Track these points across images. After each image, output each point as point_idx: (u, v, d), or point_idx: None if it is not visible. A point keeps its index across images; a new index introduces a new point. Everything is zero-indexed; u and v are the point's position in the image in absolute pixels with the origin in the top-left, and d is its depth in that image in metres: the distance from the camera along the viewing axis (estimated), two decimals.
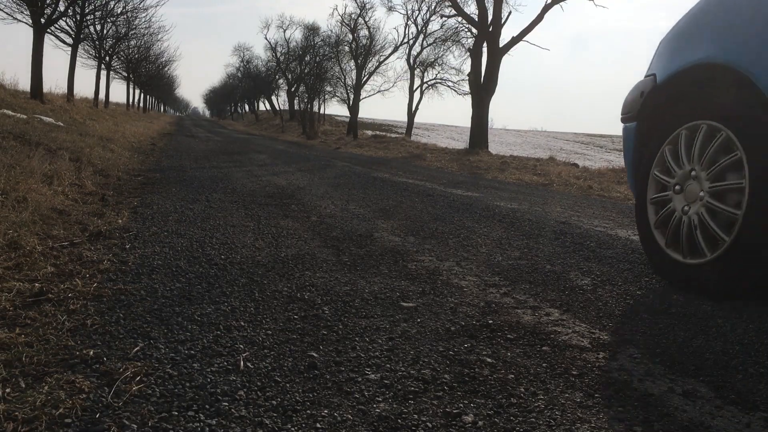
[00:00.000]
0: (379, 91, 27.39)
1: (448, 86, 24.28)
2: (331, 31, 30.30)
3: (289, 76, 36.63)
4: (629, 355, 1.54)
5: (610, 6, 52.46)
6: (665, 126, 2.45)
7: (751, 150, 2.00)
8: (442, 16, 20.71)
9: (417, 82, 24.95)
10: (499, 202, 4.80)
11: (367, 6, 26.11)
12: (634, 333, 1.71)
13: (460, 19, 17.34)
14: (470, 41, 18.03)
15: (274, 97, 45.16)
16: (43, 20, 13.08)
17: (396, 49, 26.03)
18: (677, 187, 2.31)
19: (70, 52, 17.00)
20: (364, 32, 26.66)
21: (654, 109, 2.57)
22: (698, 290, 2.15)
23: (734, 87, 2.15)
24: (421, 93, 25.03)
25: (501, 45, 15.27)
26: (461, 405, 1.22)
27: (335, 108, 46.32)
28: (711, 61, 2.20)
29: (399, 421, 1.14)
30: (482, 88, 15.42)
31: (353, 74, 27.24)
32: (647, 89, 2.57)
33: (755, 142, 1.99)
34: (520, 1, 40.12)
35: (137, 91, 35.69)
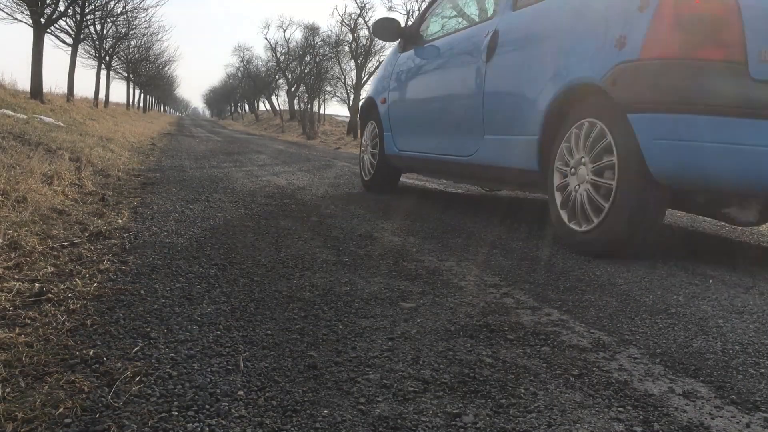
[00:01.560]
0: None
1: None
2: (331, 31, 30.37)
3: (289, 76, 36.64)
4: (629, 355, 1.54)
5: None
6: (366, 124, 5.25)
7: (380, 126, 4.75)
8: None
9: None
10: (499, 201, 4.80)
11: (367, 6, 26.14)
12: (634, 333, 1.71)
13: None
14: None
15: (274, 97, 45.22)
16: (43, 20, 13.08)
17: None
18: (370, 150, 5.00)
19: (70, 52, 17.01)
20: (364, 32, 26.67)
21: (363, 115, 5.40)
22: (368, 190, 4.96)
23: (374, 107, 4.92)
24: None
25: None
26: (461, 405, 1.22)
27: (335, 108, 46.39)
28: (369, 95, 5.20)
29: (399, 421, 1.14)
30: None
31: (353, 74, 27.29)
32: (362, 103, 5.52)
33: (381, 124, 4.74)
34: None
35: (137, 91, 35.68)
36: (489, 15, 3.54)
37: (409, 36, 4.48)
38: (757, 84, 2.14)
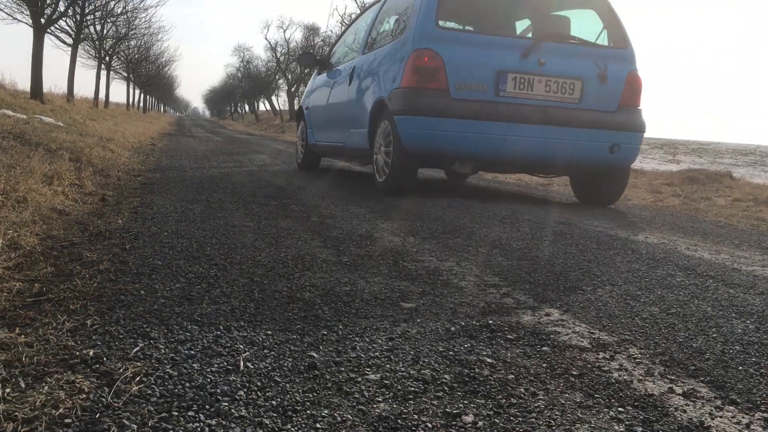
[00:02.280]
0: None
1: None
2: (331, 31, 30.18)
3: (290, 77, 36.65)
4: (629, 356, 1.54)
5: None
6: (299, 124, 7.08)
7: (306, 125, 6.71)
8: None
9: None
10: (498, 202, 4.80)
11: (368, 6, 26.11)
12: (634, 333, 1.71)
13: None
14: None
15: (274, 98, 45.23)
16: (43, 20, 13.07)
17: None
18: (300, 141, 6.95)
19: (70, 52, 17.00)
20: None
21: (297, 117, 7.21)
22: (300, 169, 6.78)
23: (302, 112, 6.88)
24: None
25: None
26: (461, 405, 1.22)
27: None
28: (300, 104, 7.16)
29: (399, 421, 1.14)
30: None
31: None
32: (297, 109, 7.66)
33: (306, 124, 6.69)
34: None
35: (137, 92, 35.68)
36: (355, 56, 5.59)
37: (322, 63, 6.61)
38: (454, 101, 4.11)
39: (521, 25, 5.32)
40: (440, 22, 4.39)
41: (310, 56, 7.09)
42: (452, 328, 1.67)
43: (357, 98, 5.07)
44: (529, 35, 4.88)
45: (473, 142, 4.15)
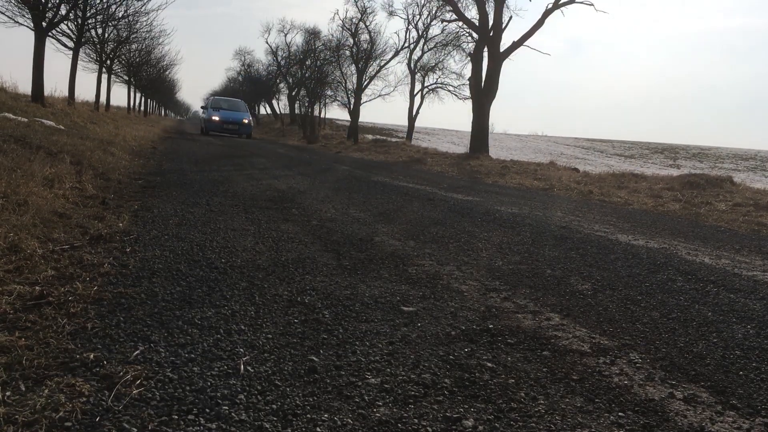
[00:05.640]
0: (379, 96, 27.33)
1: (449, 91, 24.26)
2: (332, 35, 30.12)
3: (290, 80, 36.72)
4: (630, 360, 1.54)
5: (610, 11, 52.55)
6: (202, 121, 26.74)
7: (202, 121, 26.70)
8: (443, 20, 20.71)
9: (418, 86, 24.93)
10: (500, 206, 4.80)
11: (368, 10, 26.11)
12: (635, 338, 1.71)
13: (461, 23, 17.35)
14: (471, 46, 18.02)
15: (274, 101, 45.27)
16: (44, 24, 13.09)
17: (397, 53, 25.99)
18: (200, 126, 27.46)
19: (71, 56, 17.02)
20: (365, 36, 26.66)
21: (202, 121, 27.20)
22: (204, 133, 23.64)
23: (201, 120, 31.38)
24: (422, 97, 25.02)
25: (502, 50, 15.27)
26: (461, 409, 1.22)
27: (336, 112, 46.24)
28: (201, 116, 29.79)
29: (399, 425, 1.14)
30: (483, 93, 15.42)
31: (354, 78, 27.24)
32: (203, 114, 26.11)
33: (201, 121, 27.11)
34: (521, 5, 40.23)
35: (138, 95, 35.71)
36: (206, 109, 25.02)
37: (205, 107, 25.14)
38: (213, 121, 23.35)
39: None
40: (211, 107, 23.37)
41: (202, 106, 26.15)
42: (453, 332, 1.67)
43: (203, 118, 23.66)
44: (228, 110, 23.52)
45: (217, 129, 22.27)
